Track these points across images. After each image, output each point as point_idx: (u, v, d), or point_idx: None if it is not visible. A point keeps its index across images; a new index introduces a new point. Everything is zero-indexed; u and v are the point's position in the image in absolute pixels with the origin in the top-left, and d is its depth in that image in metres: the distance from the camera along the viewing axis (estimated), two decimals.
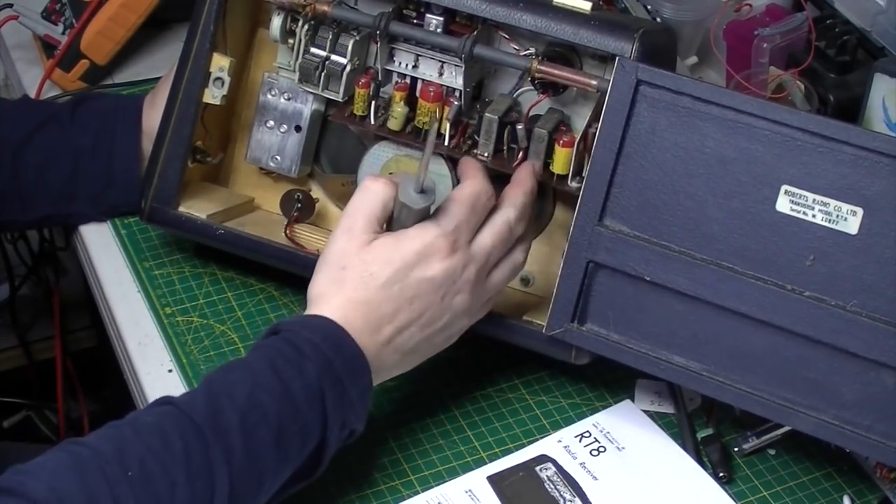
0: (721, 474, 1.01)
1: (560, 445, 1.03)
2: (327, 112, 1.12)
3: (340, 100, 1.09)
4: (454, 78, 1.05)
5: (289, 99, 1.12)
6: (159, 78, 1.23)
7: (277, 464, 0.88)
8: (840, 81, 1.21)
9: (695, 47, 1.39)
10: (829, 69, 1.21)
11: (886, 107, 1.11)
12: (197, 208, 1.11)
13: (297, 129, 1.12)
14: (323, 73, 1.07)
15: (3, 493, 0.78)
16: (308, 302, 0.96)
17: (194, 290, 1.14)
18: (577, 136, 1.01)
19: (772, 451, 1.04)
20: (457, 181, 1.03)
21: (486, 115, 1.03)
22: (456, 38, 1.03)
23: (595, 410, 1.06)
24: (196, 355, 1.08)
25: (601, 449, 1.03)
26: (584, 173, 0.98)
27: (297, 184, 1.15)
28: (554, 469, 1.01)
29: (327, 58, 1.07)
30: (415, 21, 1.06)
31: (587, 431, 1.04)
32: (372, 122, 1.07)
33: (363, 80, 1.06)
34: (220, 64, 1.09)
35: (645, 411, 1.06)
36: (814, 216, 0.92)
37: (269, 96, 1.12)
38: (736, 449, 1.03)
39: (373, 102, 1.06)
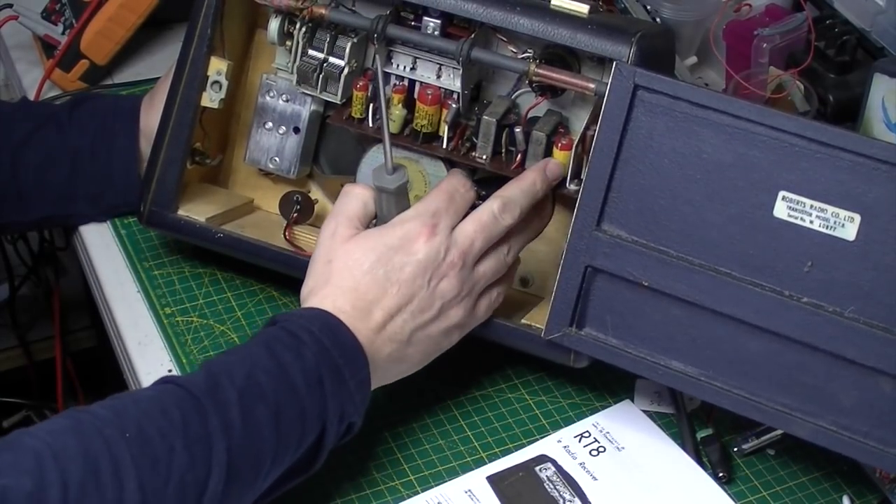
0: (720, 474, 1.01)
1: (560, 445, 1.03)
2: (326, 113, 1.12)
3: (338, 102, 1.09)
4: (452, 80, 1.05)
5: (287, 100, 1.12)
6: (159, 78, 1.23)
7: (276, 447, 0.88)
8: (840, 81, 1.21)
9: (694, 47, 1.38)
10: (828, 69, 1.21)
11: (886, 107, 1.10)
12: (196, 210, 1.11)
13: (296, 130, 1.12)
14: (321, 75, 1.08)
15: (2, 449, 0.80)
16: (301, 303, 0.98)
17: (194, 291, 1.15)
18: (576, 138, 1.01)
19: (771, 452, 1.04)
20: None
21: (485, 117, 1.03)
22: (453, 42, 1.02)
23: (595, 410, 1.07)
24: (196, 355, 1.08)
25: (601, 449, 1.03)
26: (583, 175, 0.98)
27: (297, 185, 1.15)
28: (553, 469, 1.01)
29: (325, 60, 1.07)
30: (412, 24, 1.05)
31: (587, 431, 1.04)
32: (370, 124, 1.07)
33: (361, 83, 1.06)
34: (218, 67, 1.09)
35: (644, 411, 1.06)
36: (811, 222, 0.91)
37: (267, 98, 1.12)
38: (735, 449, 1.03)
39: (371, 104, 1.06)
